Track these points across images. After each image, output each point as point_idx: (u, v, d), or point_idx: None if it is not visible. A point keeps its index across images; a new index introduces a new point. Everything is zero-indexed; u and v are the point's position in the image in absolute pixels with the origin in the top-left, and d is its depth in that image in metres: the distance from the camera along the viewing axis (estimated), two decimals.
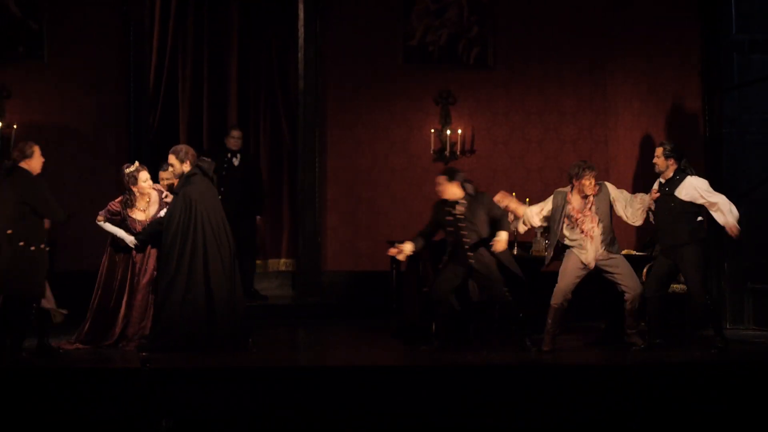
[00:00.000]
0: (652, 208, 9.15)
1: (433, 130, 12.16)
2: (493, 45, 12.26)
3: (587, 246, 9.04)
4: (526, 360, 8.75)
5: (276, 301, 12.30)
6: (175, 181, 9.39)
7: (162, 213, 9.30)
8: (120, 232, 9.30)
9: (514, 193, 10.76)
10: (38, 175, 8.68)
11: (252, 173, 12.20)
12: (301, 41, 12.24)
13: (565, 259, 9.14)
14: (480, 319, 9.74)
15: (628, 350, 9.01)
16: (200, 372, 8.18)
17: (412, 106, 12.25)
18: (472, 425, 7.66)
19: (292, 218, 12.81)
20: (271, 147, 13.02)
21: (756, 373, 8.19)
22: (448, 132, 12.13)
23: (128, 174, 9.35)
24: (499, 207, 9.22)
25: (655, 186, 9.18)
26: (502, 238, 9.01)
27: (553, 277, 9.25)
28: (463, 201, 9.18)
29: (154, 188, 9.50)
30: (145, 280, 9.26)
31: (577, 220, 9.06)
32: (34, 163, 8.63)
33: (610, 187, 9.19)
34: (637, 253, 9.97)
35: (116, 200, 9.45)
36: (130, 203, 9.37)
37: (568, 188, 9.19)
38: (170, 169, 9.36)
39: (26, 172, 8.53)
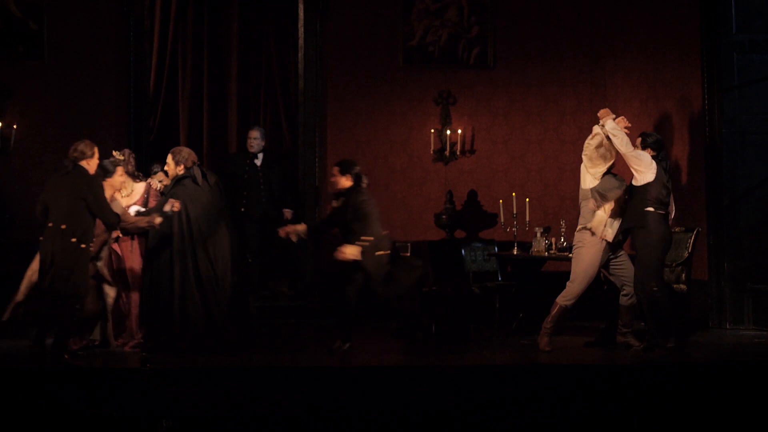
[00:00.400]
0: None
1: (433, 130, 12.16)
2: (493, 45, 12.26)
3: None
4: (526, 360, 8.75)
5: (276, 301, 12.29)
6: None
7: (138, 208, 9.27)
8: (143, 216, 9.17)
9: (514, 194, 10.79)
10: (95, 175, 8.73)
11: (275, 172, 11.89)
12: (301, 41, 12.25)
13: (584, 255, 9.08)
14: (480, 319, 9.75)
15: (628, 350, 9.01)
16: (200, 372, 8.18)
17: (412, 106, 12.25)
18: (472, 425, 7.66)
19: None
20: (271, 147, 13.00)
21: (756, 373, 8.19)
22: (448, 132, 12.13)
23: (111, 162, 9.26)
24: (361, 214, 8.87)
25: None
26: (345, 251, 8.78)
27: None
28: (343, 195, 9.02)
29: (143, 181, 9.49)
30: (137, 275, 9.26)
31: None
32: (93, 163, 8.72)
33: None
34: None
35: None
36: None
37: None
38: (157, 175, 9.40)
39: (85, 171, 8.61)
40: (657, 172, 8.95)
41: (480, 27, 12.27)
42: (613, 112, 9.13)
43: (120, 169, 9.25)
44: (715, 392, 7.90)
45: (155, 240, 9.04)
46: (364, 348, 9.45)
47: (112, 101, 11.94)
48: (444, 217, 11.78)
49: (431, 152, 12.17)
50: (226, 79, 12.92)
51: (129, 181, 9.39)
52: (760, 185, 10.40)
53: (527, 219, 10.61)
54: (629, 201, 9.01)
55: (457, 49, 12.26)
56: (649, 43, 11.45)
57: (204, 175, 9.22)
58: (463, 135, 12.19)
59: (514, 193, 10.74)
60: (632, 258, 9.08)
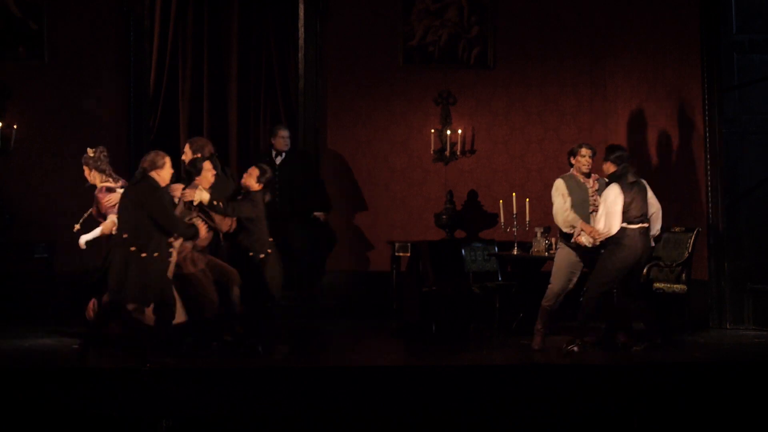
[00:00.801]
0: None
1: (433, 131, 12.16)
2: (493, 45, 12.25)
3: None
4: (526, 360, 8.75)
5: (276, 301, 12.26)
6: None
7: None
8: None
9: (514, 194, 10.79)
10: (165, 186, 8.62)
11: (299, 171, 11.73)
12: (301, 41, 12.25)
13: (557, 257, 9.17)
14: (480, 319, 9.76)
15: (628, 350, 9.02)
16: (200, 372, 8.18)
17: (412, 106, 12.25)
18: (472, 425, 7.66)
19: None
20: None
21: (756, 373, 8.20)
22: (448, 132, 12.13)
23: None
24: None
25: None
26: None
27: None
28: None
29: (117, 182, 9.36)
30: None
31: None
32: (164, 173, 8.56)
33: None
34: None
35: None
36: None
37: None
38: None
39: (153, 181, 8.47)
40: (624, 199, 8.93)
41: (480, 27, 12.27)
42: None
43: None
44: (715, 392, 7.91)
45: None
46: (364, 348, 9.46)
47: (112, 101, 11.94)
48: (444, 217, 11.78)
49: (431, 152, 12.17)
50: (226, 79, 12.90)
51: (99, 176, 9.26)
52: (760, 185, 10.41)
53: (527, 219, 10.61)
54: None
55: (457, 49, 12.26)
56: (649, 43, 11.45)
57: (222, 167, 9.29)
58: (463, 135, 12.18)
59: (514, 193, 10.72)
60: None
